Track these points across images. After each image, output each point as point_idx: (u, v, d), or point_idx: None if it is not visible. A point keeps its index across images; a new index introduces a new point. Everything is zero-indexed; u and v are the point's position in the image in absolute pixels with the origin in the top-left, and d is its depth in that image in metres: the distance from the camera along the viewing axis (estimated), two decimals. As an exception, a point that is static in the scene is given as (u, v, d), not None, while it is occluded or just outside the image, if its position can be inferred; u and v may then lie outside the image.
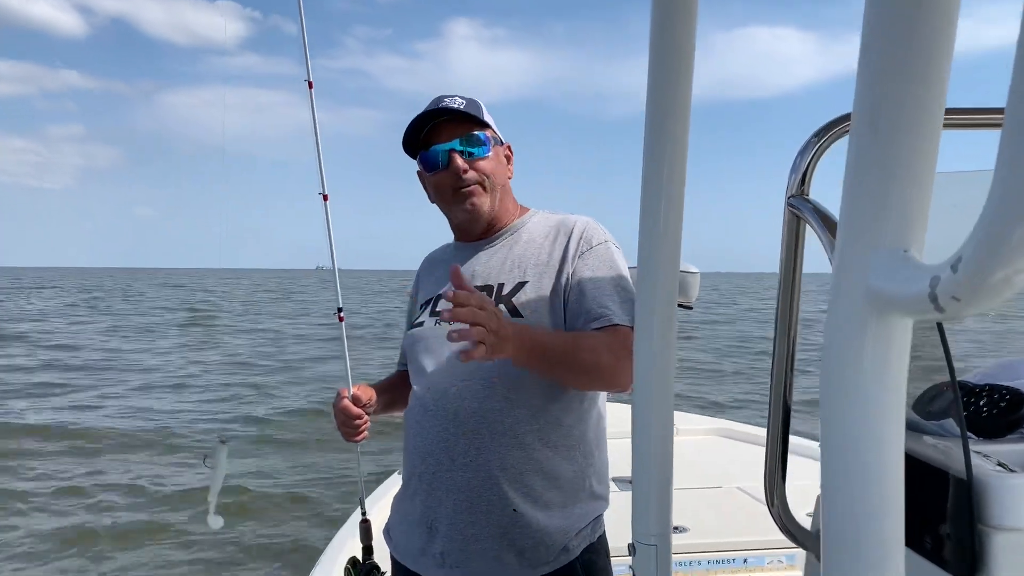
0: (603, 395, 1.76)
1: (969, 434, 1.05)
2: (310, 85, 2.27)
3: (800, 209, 1.09)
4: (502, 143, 1.79)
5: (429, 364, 1.71)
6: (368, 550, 2.08)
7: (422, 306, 1.84)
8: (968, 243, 0.40)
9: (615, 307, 1.61)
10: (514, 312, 1.63)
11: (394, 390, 1.93)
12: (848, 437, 0.53)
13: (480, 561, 1.61)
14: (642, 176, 0.88)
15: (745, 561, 2.83)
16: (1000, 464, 0.95)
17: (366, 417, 1.83)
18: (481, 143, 1.71)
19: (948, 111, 0.93)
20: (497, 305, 1.63)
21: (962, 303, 0.41)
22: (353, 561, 2.05)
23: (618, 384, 1.57)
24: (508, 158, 1.81)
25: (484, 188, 1.72)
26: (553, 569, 1.61)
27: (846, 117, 1.12)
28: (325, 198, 2.25)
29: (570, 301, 1.64)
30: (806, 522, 1.32)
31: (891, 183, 0.47)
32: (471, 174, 1.70)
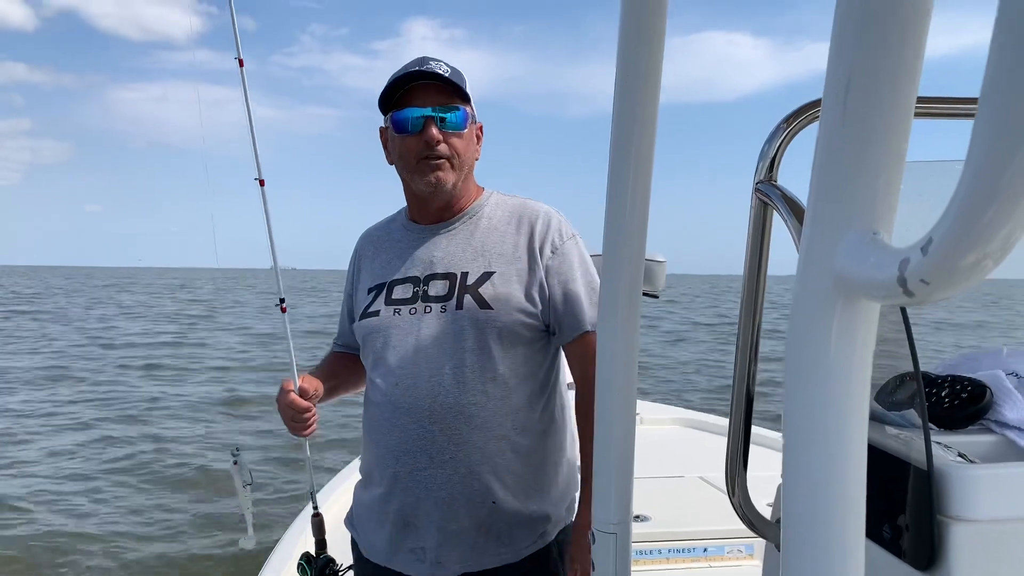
0: (562, 379, 1.75)
1: (931, 425, 1.05)
2: (240, 63, 2.20)
3: (768, 195, 1.08)
4: (476, 120, 1.72)
5: (392, 357, 1.65)
6: (322, 544, 2.03)
7: (371, 291, 1.74)
8: (939, 225, 0.39)
9: (586, 312, 1.61)
10: (482, 303, 1.60)
11: (337, 376, 1.86)
12: (811, 424, 0.52)
13: (458, 551, 1.60)
14: (608, 168, 0.86)
15: (705, 550, 2.85)
16: (960, 455, 0.95)
17: (314, 410, 1.75)
18: (460, 119, 1.63)
19: (922, 99, 0.92)
20: (463, 295, 1.61)
21: (931, 287, 0.40)
22: (307, 557, 1.98)
23: None
24: (478, 138, 1.74)
25: (452, 165, 1.65)
26: (530, 552, 1.63)
27: (816, 103, 1.11)
28: (261, 183, 2.15)
29: (549, 305, 1.63)
30: (766, 512, 1.32)
31: (861, 164, 0.46)
32: (443, 147, 1.62)
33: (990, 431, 1.04)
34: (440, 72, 1.61)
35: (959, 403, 1.05)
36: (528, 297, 1.61)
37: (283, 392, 1.72)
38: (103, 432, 9.25)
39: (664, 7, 0.76)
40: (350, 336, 1.82)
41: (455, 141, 1.64)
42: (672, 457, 3.90)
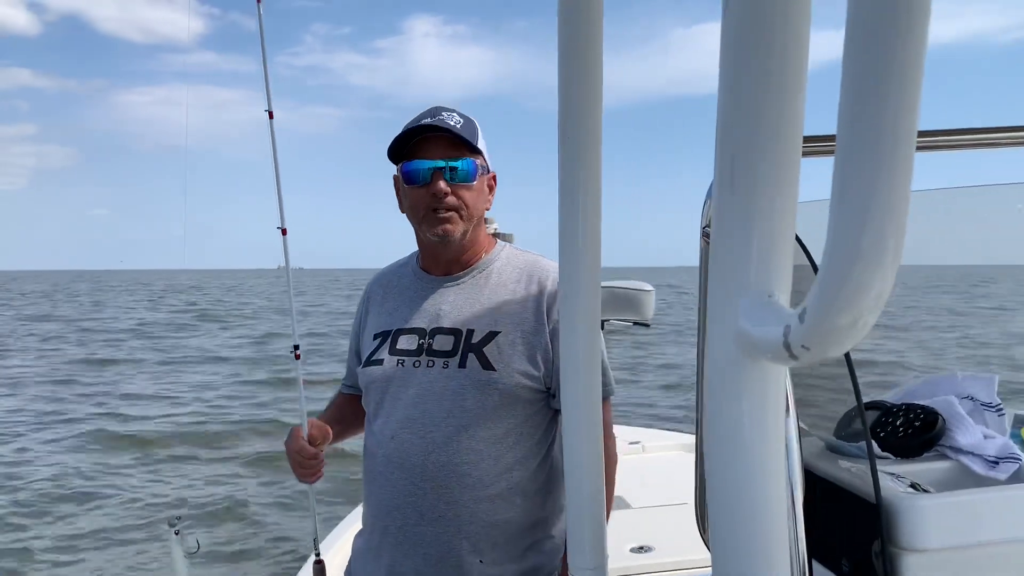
0: (558, 429, 1.74)
1: (886, 454, 1.08)
2: (270, 115, 2.12)
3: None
4: (488, 171, 1.72)
5: (390, 408, 1.65)
6: None
7: (376, 336, 1.74)
8: (811, 292, 0.41)
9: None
10: (485, 364, 1.59)
11: (343, 420, 1.87)
12: (732, 483, 0.54)
13: None
14: (559, 192, 0.87)
15: None
16: (913, 485, 0.97)
17: (321, 457, 1.75)
18: (469, 171, 1.64)
19: (808, 139, 0.95)
20: (467, 354, 1.61)
21: (812, 352, 0.42)
22: None
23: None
24: (491, 188, 1.74)
25: (461, 217, 1.64)
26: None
27: None
28: (284, 232, 2.12)
29: (552, 369, 1.62)
30: None
31: (752, 234, 0.49)
32: (451, 199, 1.62)
33: (945, 457, 1.06)
34: (451, 125, 1.62)
35: (912, 431, 1.07)
36: (531, 360, 1.60)
37: (293, 438, 1.74)
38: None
39: (600, 17, 0.77)
40: (356, 377, 1.82)
41: (464, 193, 1.64)
42: (675, 485, 3.86)
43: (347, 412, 1.89)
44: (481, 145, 1.68)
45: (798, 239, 1.13)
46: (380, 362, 1.69)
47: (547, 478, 1.67)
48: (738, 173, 0.48)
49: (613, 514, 3.27)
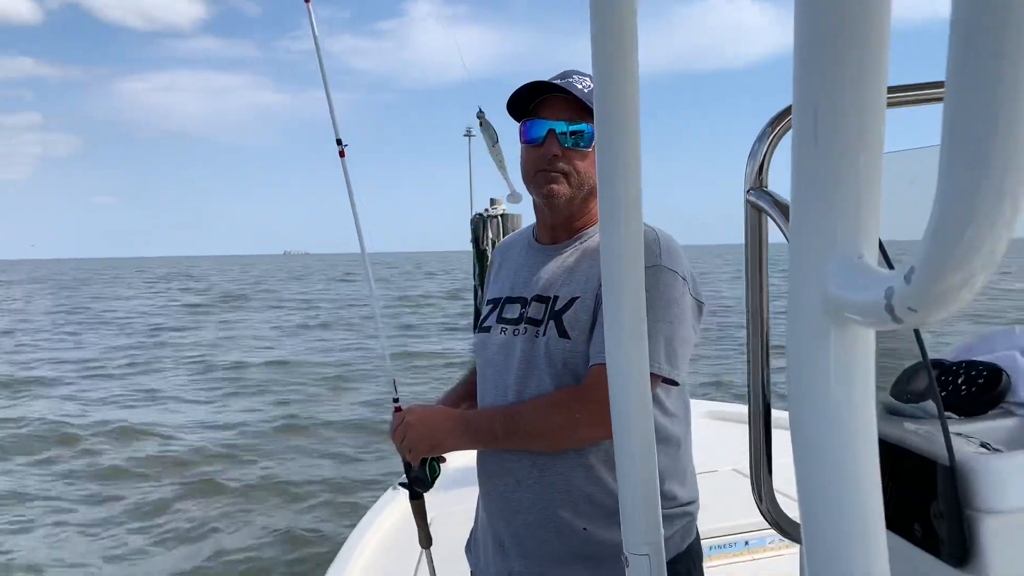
0: (674, 391, 1.63)
1: (950, 414, 1.04)
2: (342, 153, 2.02)
3: (760, 202, 1.07)
4: None
5: (487, 373, 1.69)
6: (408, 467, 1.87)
7: (489, 303, 1.77)
8: (919, 251, 0.38)
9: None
10: (561, 331, 1.58)
11: (471, 398, 1.83)
12: (819, 449, 0.51)
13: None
14: (598, 173, 0.85)
15: (746, 543, 2.83)
16: (983, 444, 0.94)
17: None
18: (587, 138, 1.60)
19: (892, 88, 0.91)
20: (549, 321, 1.60)
21: (920, 314, 0.40)
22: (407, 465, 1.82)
23: (582, 439, 1.53)
24: None
25: (569, 183, 1.62)
26: None
27: None
28: (363, 248, 2.04)
29: None
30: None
31: (838, 192, 0.46)
32: (562, 164, 1.60)
33: (1012, 414, 1.03)
34: (577, 89, 1.58)
35: (976, 389, 1.04)
36: (596, 324, 1.55)
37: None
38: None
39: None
40: None
41: (576, 160, 1.61)
42: (704, 452, 3.85)
43: (473, 390, 1.86)
44: None
45: None
46: (488, 329, 1.73)
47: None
48: (821, 126, 0.45)
49: None
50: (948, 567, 0.86)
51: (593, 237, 1.67)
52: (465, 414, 1.68)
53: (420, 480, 1.78)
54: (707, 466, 3.52)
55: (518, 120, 1.68)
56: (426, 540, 1.93)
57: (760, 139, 1.12)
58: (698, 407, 4.85)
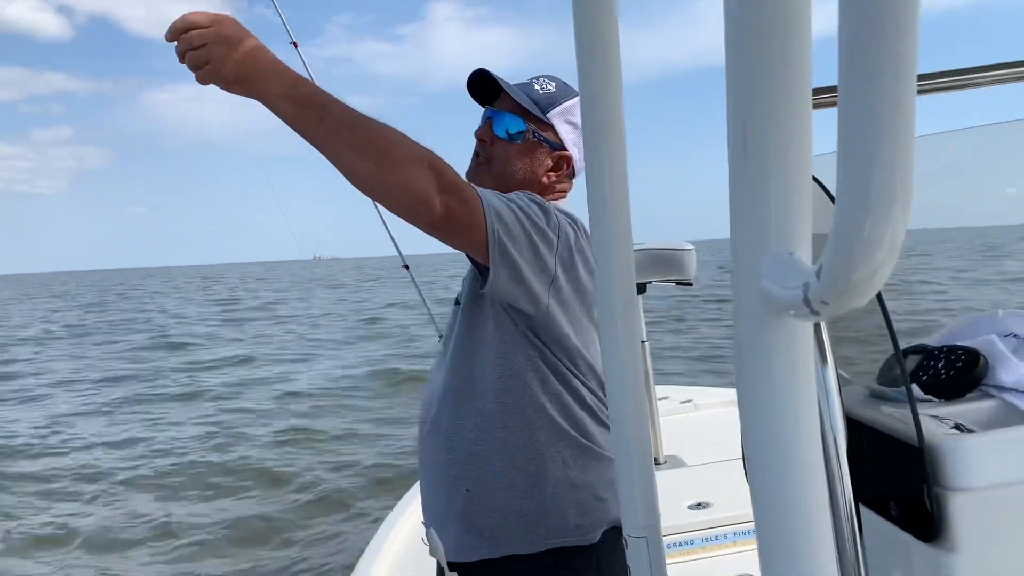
0: (583, 365, 1.57)
1: (931, 398, 1.08)
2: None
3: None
4: (554, 149, 1.67)
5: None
6: None
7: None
8: (826, 248, 0.42)
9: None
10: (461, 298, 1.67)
11: None
12: (765, 440, 0.55)
13: (447, 539, 1.59)
14: (585, 162, 0.88)
15: None
16: (957, 426, 0.97)
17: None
18: (510, 126, 1.64)
19: (820, 90, 0.94)
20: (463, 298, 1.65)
21: (831, 306, 0.43)
22: None
23: (411, 187, 1.30)
24: (556, 166, 1.68)
25: (487, 170, 1.66)
26: (518, 552, 1.52)
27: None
28: (407, 267, 2.15)
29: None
30: None
31: (768, 192, 0.49)
32: (483, 146, 1.68)
33: (990, 396, 1.06)
34: (497, 77, 1.65)
35: (955, 373, 1.07)
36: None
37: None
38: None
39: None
40: None
41: (497, 147, 1.66)
42: (728, 440, 3.87)
43: None
44: (551, 120, 1.66)
45: (816, 180, 1.11)
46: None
47: (549, 416, 1.58)
48: (749, 132, 0.49)
49: (669, 473, 3.30)
50: (921, 543, 0.90)
51: None
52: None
53: None
54: (731, 454, 3.54)
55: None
56: None
57: None
58: (722, 395, 4.87)
